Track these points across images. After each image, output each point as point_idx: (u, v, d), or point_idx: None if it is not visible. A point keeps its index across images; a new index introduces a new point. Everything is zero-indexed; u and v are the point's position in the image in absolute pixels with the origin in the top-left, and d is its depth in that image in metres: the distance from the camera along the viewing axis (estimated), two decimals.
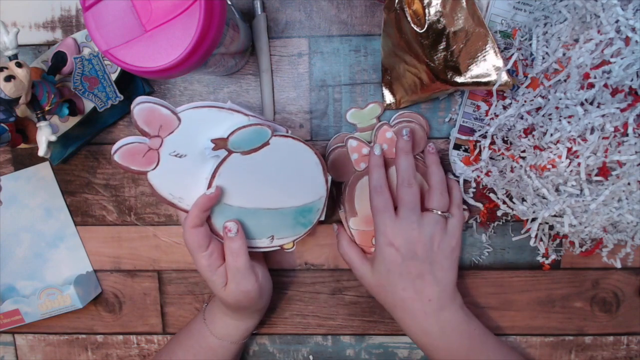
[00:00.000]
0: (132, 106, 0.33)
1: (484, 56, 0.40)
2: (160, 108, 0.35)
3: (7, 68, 0.37)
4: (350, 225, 0.47)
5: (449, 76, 0.41)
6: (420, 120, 0.46)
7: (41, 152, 0.41)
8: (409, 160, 0.44)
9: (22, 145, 0.45)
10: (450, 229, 0.44)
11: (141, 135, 0.35)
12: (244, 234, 0.40)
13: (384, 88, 0.47)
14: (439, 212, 0.43)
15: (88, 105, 0.45)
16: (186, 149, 0.37)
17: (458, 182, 0.46)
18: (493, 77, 0.40)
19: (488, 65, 0.40)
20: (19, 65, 0.38)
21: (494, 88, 0.40)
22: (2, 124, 0.39)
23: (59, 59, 0.44)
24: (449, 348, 0.43)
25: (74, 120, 0.46)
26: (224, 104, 0.37)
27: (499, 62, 0.40)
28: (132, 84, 0.47)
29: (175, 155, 0.37)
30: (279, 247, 0.44)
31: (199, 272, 0.41)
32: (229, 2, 0.39)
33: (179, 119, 0.36)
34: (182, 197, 0.39)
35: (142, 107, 0.34)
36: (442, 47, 0.41)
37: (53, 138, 0.41)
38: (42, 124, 0.41)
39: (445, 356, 0.43)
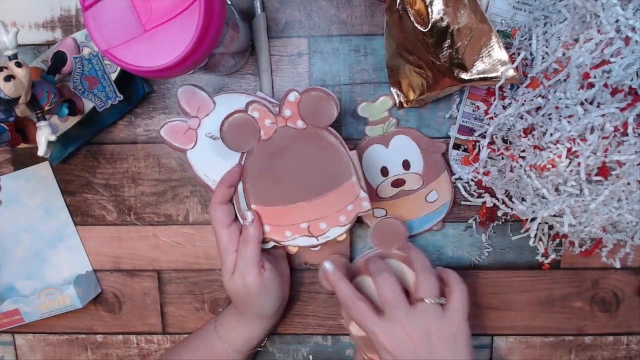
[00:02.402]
0: (177, 89, 0.41)
1: (488, 52, 0.40)
2: (200, 91, 0.41)
3: (7, 68, 0.37)
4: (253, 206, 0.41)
5: (455, 74, 0.41)
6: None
7: (41, 152, 0.41)
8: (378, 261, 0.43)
9: (22, 145, 0.45)
10: (449, 314, 0.40)
11: (184, 116, 0.42)
12: (261, 226, 0.40)
13: (392, 89, 0.47)
14: (432, 300, 0.40)
15: (88, 105, 0.45)
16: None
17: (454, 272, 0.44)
18: (499, 72, 0.40)
19: (493, 61, 0.40)
20: (19, 65, 0.38)
21: (499, 84, 0.40)
22: (2, 124, 0.39)
23: (59, 59, 0.44)
24: None
25: (74, 120, 0.46)
26: (253, 94, 0.42)
27: (505, 56, 0.39)
28: (132, 84, 0.47)
29: (211, 137, 0.42)
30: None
31: (219, 252, 0.42)
32: (229, 2, 0.39)
33: (214, 103, 0.41)
34: (216, 180, 0.42)
35: (184, 89, 0.41)
36: (447, 45, 0.41)
37: (53, 138, 0.41)
38: (42, 124, 0.40)
39: None
